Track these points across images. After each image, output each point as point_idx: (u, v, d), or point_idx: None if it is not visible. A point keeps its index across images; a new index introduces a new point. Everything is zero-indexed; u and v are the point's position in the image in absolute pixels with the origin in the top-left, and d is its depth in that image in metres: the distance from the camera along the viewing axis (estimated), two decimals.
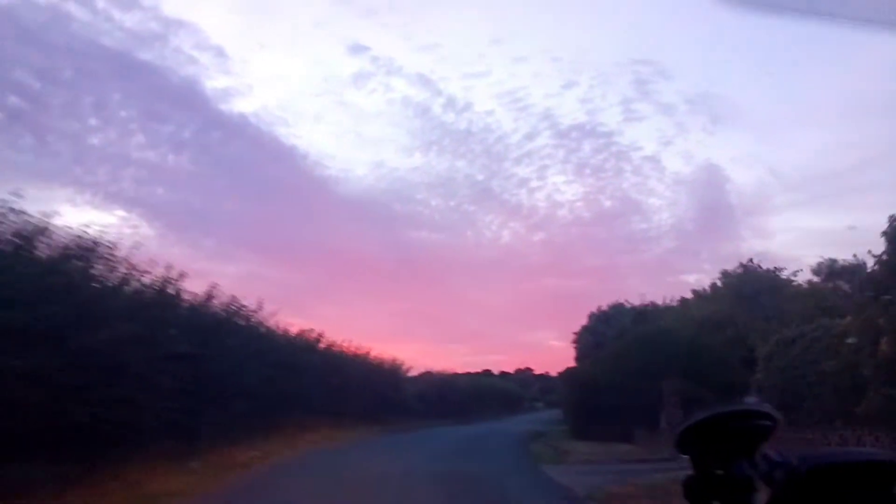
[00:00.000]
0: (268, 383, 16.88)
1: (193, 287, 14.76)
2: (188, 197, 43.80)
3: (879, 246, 9.84)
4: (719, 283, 27.41)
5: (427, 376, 40.89)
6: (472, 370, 59.52)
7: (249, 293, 19.22)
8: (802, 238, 46.16)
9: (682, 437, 1.11)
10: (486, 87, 73.55)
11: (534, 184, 64.51)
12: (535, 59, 67.48)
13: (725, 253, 53.86)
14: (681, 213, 55.32)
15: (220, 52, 52.50)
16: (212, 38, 55.60)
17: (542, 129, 67.40)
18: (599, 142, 62.19)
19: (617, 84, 59.58)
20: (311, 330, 24.25)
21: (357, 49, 57.62)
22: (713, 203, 49.46)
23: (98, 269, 10.83)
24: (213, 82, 56.93)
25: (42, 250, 9.73)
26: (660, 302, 32.13)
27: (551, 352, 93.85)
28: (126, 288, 11.74)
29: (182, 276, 13.40)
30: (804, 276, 24.52)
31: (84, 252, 10.36)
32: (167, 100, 40.32)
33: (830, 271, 24.24)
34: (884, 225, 9.74)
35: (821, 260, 24.34)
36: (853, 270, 21.99)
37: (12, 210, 9.34)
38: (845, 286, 22.57)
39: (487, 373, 64.49)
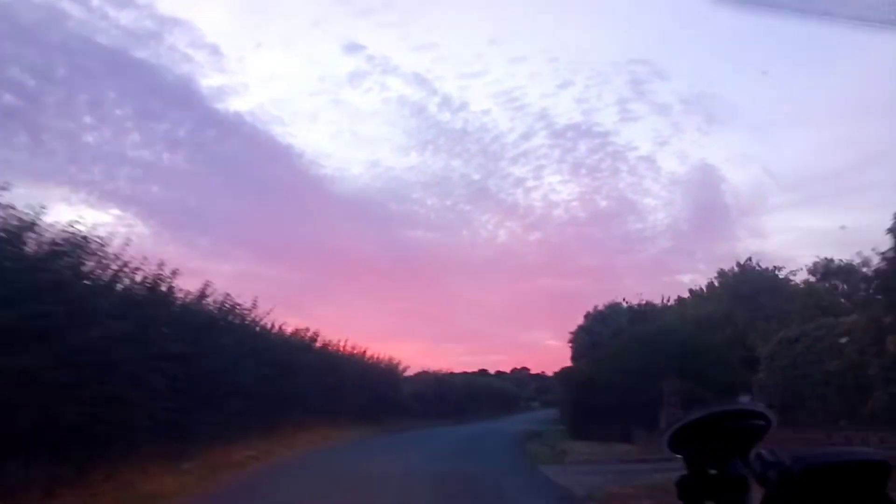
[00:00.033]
0: (263, 382, 16.74)
1: (189, 286, 14.65)
2: (183, 196, 43.46)
3: (880, 245, 9.76)
4: (716, 283, 27.38)
5: (423, 376, 40.82)
6: (469, 370, 59.50)
7: (245, 292, 18.97)
8: (797, 238, 46.22)
9: (675, 436, 1.11)
10: (482, 87, 73.25)
11: (530, 183, 64.42)
12: (532, 59, 67.21)
13: (721, 253, 53.98)
14: (676, 213, 55.23)
15: (215, 51, 51.99)
16: (207, 37, 54.96)
17: (538, 129, 67.10)
18: (595, 142, 62.22)
19: (613, 84, 59.33)
20: (307, 329, 24.15)
21: (353, 48, 57.60)
22: (708, 203, 49.45)
23: (89, 265, 10.63)
24: (209, 81, 56.56)
25: (30, 246, 9.52)
26: (656, 301, 32.13)
27: (547, 351, 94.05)
28: (117, 285, 11.54)
29: (175, 273, 13.21)
30: (800, 276, 24.54)
31: (74, 248, 10.16)
32: (162, 98, 39.98)
33: (826, 271, 24.23)
34: (883, 224, 9.67)
35: (816, 259, 24.36)
36: (849, 270, 22.01)
37: None
38: (841, 286, 22.60)
39: (484, 372, 64.46)
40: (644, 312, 30.93)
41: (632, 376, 19.16)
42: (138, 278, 12.11)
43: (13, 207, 9.25)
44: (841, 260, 23.21)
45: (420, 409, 34.83)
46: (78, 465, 9.14)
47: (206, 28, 56.69)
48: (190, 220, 42.79)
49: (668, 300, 31.69)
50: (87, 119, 37.23)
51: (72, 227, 10.16)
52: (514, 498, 10.65)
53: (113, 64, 32.76)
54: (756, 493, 1.02)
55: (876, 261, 10.36)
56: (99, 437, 9.66)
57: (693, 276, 57.85)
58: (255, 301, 18.05)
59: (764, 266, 25.69)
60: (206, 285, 15.40)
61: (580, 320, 35.82)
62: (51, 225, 9.88)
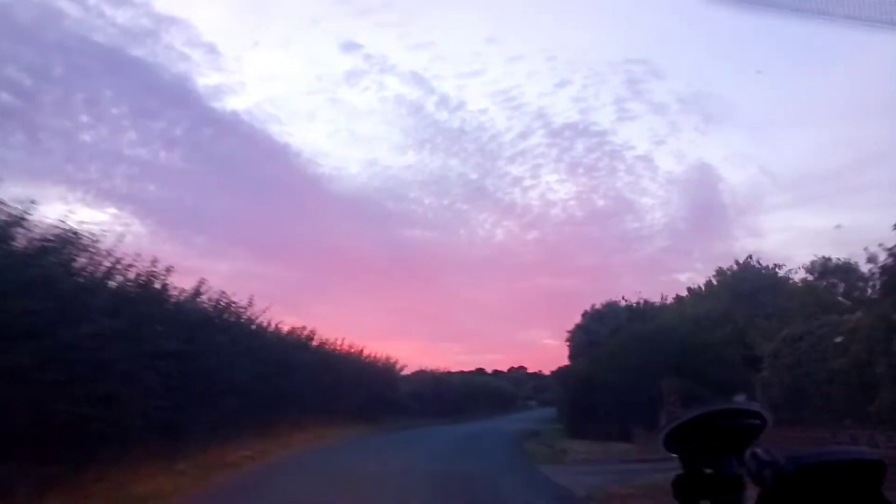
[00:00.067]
0: (259, 381, 16.57)
1: (185, 284, 14.51)
2: (180, 194, 43.34)
3: (879, 244, 9.66)
4: (715, 281, 27.26)
5: (421, 375, 40.71)
6: (466, 368, 59.61)
7: (242, 291, 18.85)
8: (794, 237, 46.14)
9: (671, 435, 1.11)
10: (479, 86, 73.01)
11: (527, 182, 64.39)
12: (530, 59, 67.08)
13: (718, 252, 53.76)
14: (673, 212, 55.22)
15: (212, 49, 51.68)
16: (204, 35, 55.07)
17: (535, 128, 67.07)
18: (592, 141, 61.94)
19: (610, 83, 59.27)
20: (303, 327, 23.98)
21: (350, 47, 57.40)
22: (706, 202, 49.43)
23: (80, 261, 10.43)
24: (206, 79, 56.33)
25: (19, 241, 9.32)
26: (654, 300, 32.00)
27: (545, 350, 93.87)
28: (110, 282, 11.35)
29: (169, 270, 13.01)
30: (798, 275, 24.45)
31: (65, 244, 9.96)
32: (159, 97, 39.82)
33: (824, 269, 24.15)
34: (883, 223, 9.58)
35: (814, 258, 24.28)
36: (846, 269, 21.98)
37: None
38: (840, 284, 22.56)
39: (481, 371, 64.52)
40: (642, 311, 30.81)
41: (630, 375, 19.02)
42: (132, 275, 11.92)
43: (2, 202, 9.06)
44: (839, 259, 23.16)
45: (417, 409, 34.72)
46: (69, 465, 8.94)
47: (202, 26, 56.68)
48: (187, 219, 42.70)
49: (667, 299, 31.60)
50: (84, 118, 36.92)
51: (62, 222, 9.98)
52: (513, 498, 10.50)
53: (109, 62, 32.65)
54: (751, 493, 1.02)
55: (883, 257, 10.24)
56: (91, 437, 9.48)
57: (690, 275, 57.56)
58: (251, 299, 17.90)
59: (764, 264, 25.61)
60: (201, 283, 15.28)
61: (578, 319, 35.77)
62: (41, 220, 9.70)
